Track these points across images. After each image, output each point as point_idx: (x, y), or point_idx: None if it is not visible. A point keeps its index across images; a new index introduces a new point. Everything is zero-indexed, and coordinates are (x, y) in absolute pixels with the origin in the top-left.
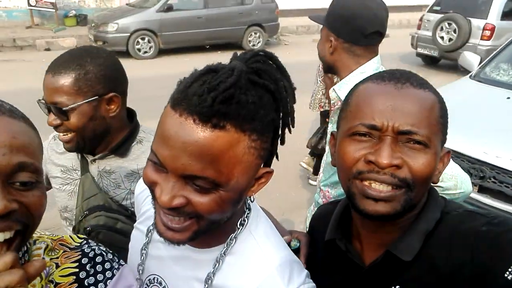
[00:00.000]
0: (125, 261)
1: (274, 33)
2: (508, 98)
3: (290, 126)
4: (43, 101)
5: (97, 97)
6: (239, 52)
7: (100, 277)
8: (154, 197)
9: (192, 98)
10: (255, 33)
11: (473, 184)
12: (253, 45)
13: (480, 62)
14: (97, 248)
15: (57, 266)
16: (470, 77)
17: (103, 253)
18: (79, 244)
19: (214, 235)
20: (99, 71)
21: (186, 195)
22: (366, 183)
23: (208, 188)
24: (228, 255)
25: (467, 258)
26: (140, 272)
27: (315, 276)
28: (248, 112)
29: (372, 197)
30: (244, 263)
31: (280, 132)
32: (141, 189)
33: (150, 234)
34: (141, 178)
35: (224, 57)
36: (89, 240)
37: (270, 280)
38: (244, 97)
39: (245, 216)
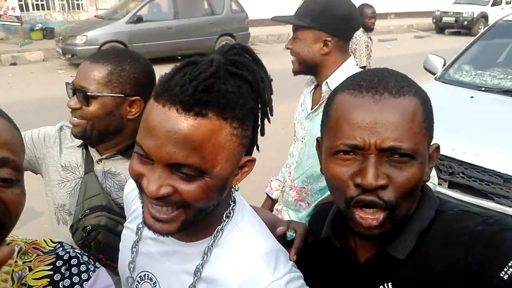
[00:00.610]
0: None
1: (245, 42)
2: (472, 97)
3: (269, 115)
4: (71, 84)
5: (122, 95)
6: None
7: (75, 279)
8: (141, 190)
9: (174, 89)
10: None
11: (443, 180)
12: None
13: (444, 64)
14: (71, 251)
15: (30, 269)
16: (435, 78)
17: (78, 255)
18: (53, 248)
19: (201, 227)
20: (133, 72)
21: (172, 184)
22: (359, 211)
23: (194, 176)
24: (215, 247)
25: (461, 257)
26: (131, 270)
27: (313, 273)
28: (228, 101)
29: (366, 227)
30: (231, 254)
31: (259, 122)
32: (130, 188)
33: (139, 232)
34: (130, 179)
35: None
36: (64, 244)
37: (256, 269)
38: (224, 86)
39: (231, 208)
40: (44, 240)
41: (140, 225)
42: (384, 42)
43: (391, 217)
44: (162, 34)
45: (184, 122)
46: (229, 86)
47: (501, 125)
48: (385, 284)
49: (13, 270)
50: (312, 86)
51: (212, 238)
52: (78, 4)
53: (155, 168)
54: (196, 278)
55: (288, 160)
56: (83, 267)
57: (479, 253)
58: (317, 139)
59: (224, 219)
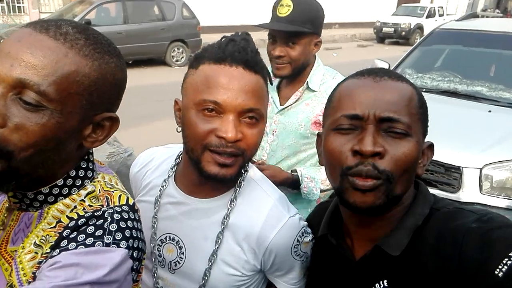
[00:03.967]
0: None
1: (197, 48)
2: None
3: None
4: None
5: None
6: (163, 68)
7: (81, 237)
8: (199, 148)
9: (234, 54)
10: (178, 49)
11: None
12: (177, 60)
13: (389, 68)
14: (113, 213)
15: (75, 208)
16: None
17: (109, 221)
18: (112, 206)
19: (223, 184)
20: None
21: (241, 131)
22: (354, 178)
23: (257, 120)
24: (238, 196)
25: (456, 255)
26: (154, 234)
27: (310, 270)
28: (265, 67)
29: (360, 188)
30: (252, 201)
31: None
32: (138, 167)
33: (158, 203)
34: (137, 159)
35: (148, 73)
36: (123, 208)
37: (275, 209)
38: (259, 57)
39: (246, 165)
40: (120, 197)
41: (158, 197)
42: (330, 50)
43: (386, 189)
44: (112, 39)
45: (250, 77)
46: (260, 58)
47: (441, 121)
48: (381, 282)
49: (75, 206)
50: (276, 82)
51: (236, 188)
52: (19, 7)
53: (227, 118)
54: (223, 226)
55: (257, 153)
56: (98, 232)
57: (474, 250)
58: (318, 134)
59: (243, 172)
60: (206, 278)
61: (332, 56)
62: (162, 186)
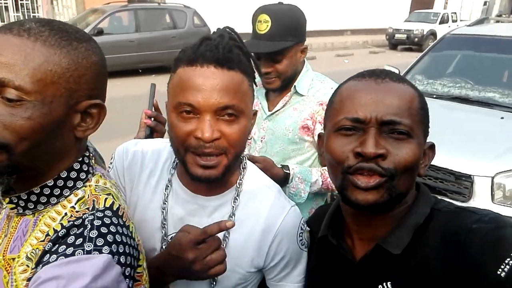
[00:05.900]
0: None
1: None
2: None
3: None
4: None
5: None
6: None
7: (61, 248)
8: (183, 150)
9: (205, 53)
10: None
11: None
12: None
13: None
14: (92, 220)
15: (66, 215)
16: None
17: (88, 227)
18: (94, 209)
19: (224, 180)
20: None
21: (219, 129)
22: (356, 176)
23: (236, 116)
24: (241, 193)
25: (458, 255)
26: (164, 237)
27: (310, 272)
28: (243, 60)
29: (362, 187)
30: (254, 195)
31: None
32: (131, 158)
33: (166, 203)
34: (125, 149)
35: (158, 80)
36: (105, 212)
37: (277, 201)
38: (236, 50)
39: (244, 162)
40: (105, 200)
41: (165, 198)
42: (341, 57)
43: (389, 186)
44: (124, 47)
45: (222, 75)
46: (238, 51)
47: (451, 128)
48: (384, 284)
49: (66, 214)
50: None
51: (237, 186)
52: (34, 17)
53: (203, 118)
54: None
55: None
56: (78, 241)
57: (476, 250)
58: (319, 135)
59: (241, 170)
60: (216, 277)
61: (344, 62)
62: (167, 186)
